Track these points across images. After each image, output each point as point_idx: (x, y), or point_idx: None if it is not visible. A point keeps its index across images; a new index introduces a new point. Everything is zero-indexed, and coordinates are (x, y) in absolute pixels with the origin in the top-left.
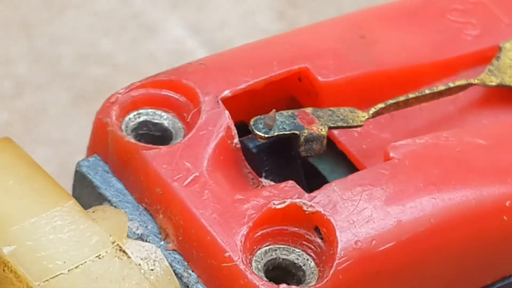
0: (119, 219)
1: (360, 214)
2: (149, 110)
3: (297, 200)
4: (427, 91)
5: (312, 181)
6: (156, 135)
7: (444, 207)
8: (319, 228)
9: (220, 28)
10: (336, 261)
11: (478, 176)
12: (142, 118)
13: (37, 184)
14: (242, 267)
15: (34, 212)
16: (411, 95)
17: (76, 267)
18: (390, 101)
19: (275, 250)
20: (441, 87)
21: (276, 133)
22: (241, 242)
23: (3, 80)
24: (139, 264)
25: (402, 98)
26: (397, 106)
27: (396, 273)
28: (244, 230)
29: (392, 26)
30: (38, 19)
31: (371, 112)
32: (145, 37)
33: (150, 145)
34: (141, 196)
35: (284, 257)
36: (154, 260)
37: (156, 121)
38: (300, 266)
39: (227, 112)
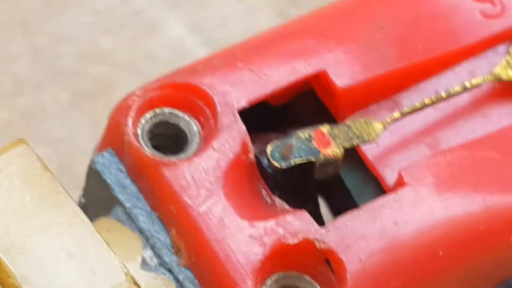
0: (134, 245)
1: (372, 253)
2: (166, 110)
3: (310, 236)
4: (443, 94)
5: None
6: (172, 135)
7: (455, 240)
8: (330, 261)
9: (221, 26)
10: None
11: (489, 197)
12: (158, 119)
13: (52, 200)
14: None
15: (49, 235)
16: (426, 101)
17: None
18: (406, 109)
19: (285, 277)
20: (457, 88)
21: (292, 163)
22: (252, 275)
23: (3, 79)
24: None
25: (418, 105)
26: (413, 111)
27: None
28: (255, 263)
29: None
30: (38, 18)
31: (386, 123)
32: (145, 35)
33: (166, 160)
34: (155, 206)
35: (294, 283)
36: None
37: (173, 122)
38: None
39: (243, 127)
